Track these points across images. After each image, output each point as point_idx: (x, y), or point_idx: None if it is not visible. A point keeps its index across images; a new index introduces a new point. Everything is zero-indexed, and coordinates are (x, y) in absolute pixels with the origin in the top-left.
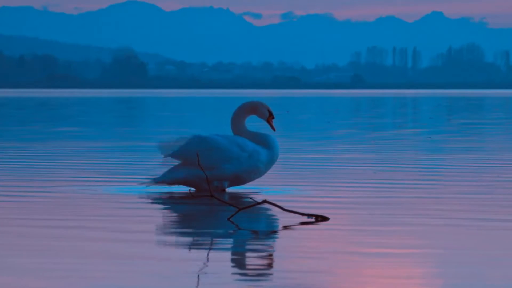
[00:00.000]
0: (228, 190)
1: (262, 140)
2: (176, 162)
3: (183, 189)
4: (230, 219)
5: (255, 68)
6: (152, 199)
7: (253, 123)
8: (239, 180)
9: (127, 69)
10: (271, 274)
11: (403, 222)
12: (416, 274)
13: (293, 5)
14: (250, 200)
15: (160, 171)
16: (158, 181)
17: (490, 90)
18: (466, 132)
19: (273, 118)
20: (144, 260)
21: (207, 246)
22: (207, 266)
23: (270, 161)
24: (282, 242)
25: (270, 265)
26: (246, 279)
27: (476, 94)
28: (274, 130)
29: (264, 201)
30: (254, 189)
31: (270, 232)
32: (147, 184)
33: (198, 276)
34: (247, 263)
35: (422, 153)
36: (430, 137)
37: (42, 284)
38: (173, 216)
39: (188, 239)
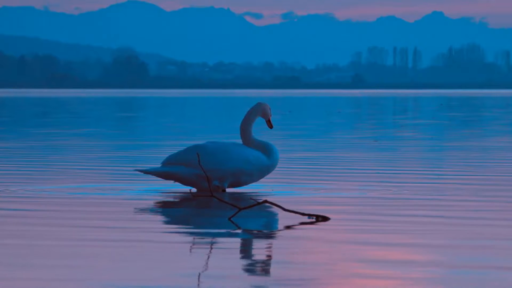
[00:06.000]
0: (228, 190)
1: (264, 148)
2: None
3: (183, 189)
4: (231, 219)
5: (256, 68)
6: (152, 199)
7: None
8: (234, 182)
9: (127, 69)
10: (271, 274)
11: (404, 222)
12: (417, 274)
13: (294, 5)
14: (251, 200)
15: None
16: (153, 171)
17: (491, 90)
18: (469, 132)
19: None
20: (144, 260)
21: (207, 246)
22: (207, 266)
23: (266, 169)
24: (283, 242)
25: (270, 265)
26: (246, 279)
27: (477, 94)
28: (272, 127)
29: (265, 201)
30: (255, 189)
31: (271, 232)
32: (142, 171)
33: (199, 276)
34: (247, 263)
35: (424, 153)
36: (432, 137)
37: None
38: (173, 216)
39: (188, 239)
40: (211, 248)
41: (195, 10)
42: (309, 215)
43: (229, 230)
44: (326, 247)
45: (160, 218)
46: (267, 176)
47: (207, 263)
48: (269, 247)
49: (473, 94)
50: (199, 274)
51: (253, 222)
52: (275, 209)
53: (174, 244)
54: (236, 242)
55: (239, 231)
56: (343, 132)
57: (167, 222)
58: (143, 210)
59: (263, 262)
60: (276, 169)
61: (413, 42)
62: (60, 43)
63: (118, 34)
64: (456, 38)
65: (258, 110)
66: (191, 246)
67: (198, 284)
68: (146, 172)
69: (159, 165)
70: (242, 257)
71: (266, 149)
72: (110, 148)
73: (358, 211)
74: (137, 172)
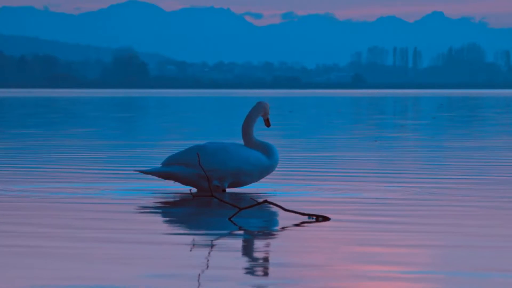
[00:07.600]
0: (229, 190)
1: (265, 148)
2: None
3: (183, 189)
4: (231, 219)
5: (256, 68)
6: (152, 199)
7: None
8: (234, 182)
9: (127, 69)
10: (271, 274)
11: (404, 222)
12: (416, 274)
13: (294, 5)
14: (251, 200)
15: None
16: (152, 171)
17: (490, 90)
18: (469, 132)
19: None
20: (144, 260)
21: (207, 246)
22: (207, 266)
23: (266, 169)
24: (283, 242)
25: (270, 266)
26: (246, 279)
27: (477, 94)
28: (270, 125)
29: (265, 201)
30: (255, 189)
31: (271, 233)
32: (142, 172)
33: (199, 276)
34: (247, 263)
35: (424, 153)
36: (432, 137)
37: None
38: (173, 216)
39: (189, 239)
40: (211, 248)
41: (195, 10)
42: (309, 215)
43: (229, 230)
44: (326, 247)
45: (160, 218)
46: (267, 176)
47: (207, 263)
48: (269, 247)
49: (473, 94)
50: (199, 274)
51: (253, 222)
52: (275, 209)
53: (174, 244)
54: (236, 242)
55: (239, 231)
56: (343, 132)
57: (167, 222)
58: (143, 210)
59: (263, 262)
60: (276, 169)
61: (413, 42)
62: (60, 43)
63: (118, 34)
64: (456, 38)
65: (259, 109)
66: (191, 246)
67: (198, 284)
68: (146, 172)
69: (159, 165)
70: (242, 257)
71: (267, 149)
72: (109, 148)
73: (358, 211)
74: (137, 172)
